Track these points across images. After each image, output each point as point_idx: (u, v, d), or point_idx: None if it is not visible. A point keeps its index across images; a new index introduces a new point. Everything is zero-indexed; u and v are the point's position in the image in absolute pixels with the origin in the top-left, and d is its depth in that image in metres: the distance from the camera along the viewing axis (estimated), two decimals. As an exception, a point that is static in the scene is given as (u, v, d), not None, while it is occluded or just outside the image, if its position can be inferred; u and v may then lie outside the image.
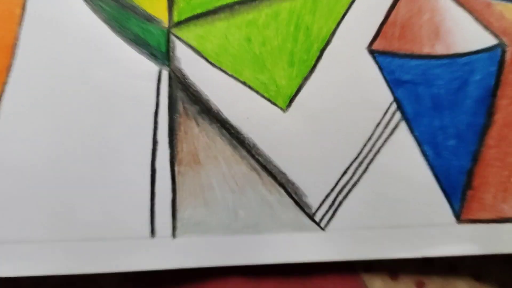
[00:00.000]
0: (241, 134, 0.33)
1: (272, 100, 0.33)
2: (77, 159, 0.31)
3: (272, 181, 0.32)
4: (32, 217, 0.30)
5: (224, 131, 0.33)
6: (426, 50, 0.34)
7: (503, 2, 0.35)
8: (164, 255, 0.30)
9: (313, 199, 0.32)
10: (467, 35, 0.34)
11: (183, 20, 0.34)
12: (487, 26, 0.34)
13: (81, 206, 0.30)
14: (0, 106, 0.31)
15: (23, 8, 0.33)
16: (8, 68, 0.32)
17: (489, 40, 0.34)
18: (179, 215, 0.31)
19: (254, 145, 0.33)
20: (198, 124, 0.33)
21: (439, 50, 0.34)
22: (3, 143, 0.31)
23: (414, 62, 0.33)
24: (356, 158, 0.33)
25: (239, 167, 0.32)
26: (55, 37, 0.33)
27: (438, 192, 0.33)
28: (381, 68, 0.33)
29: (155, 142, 0.32)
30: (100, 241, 0.30)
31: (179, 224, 0.31)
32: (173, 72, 0.33)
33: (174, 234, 0.31)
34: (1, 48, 0.32)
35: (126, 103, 0.32)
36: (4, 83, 0.32)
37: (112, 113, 0.32)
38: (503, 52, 0.34)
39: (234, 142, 0.33)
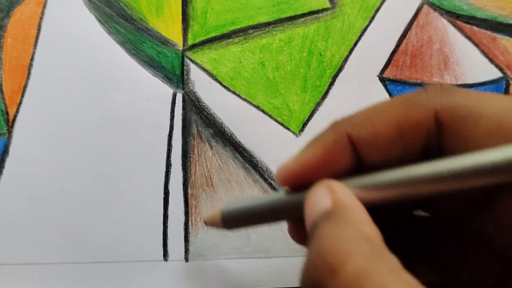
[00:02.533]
0: (254, 158, 0.33)
1: (285, 124, 0.34)
2: (90, 181, 0.31)
3: (285, 206, 0.33)
4: (46, 239, 0.30)
5: (237, 154, 0.33)
6: (435, 79, 0.35)
7: (507, 37, 0.37)
8: (177, 279, 0.31)
9: (325, 224, 0.33)
10: (474, 66, 0.36)
11: (198, 43, 0.35)
12: (492, 59, 0.36)
13: (94, 228, 0.30)
14: (14, 126, 0.31)
15: (39, 29, 0.34)
16: (23, 89, 0.32)
17: (494, 73, 0.36)
18: (191, 238, 0.32)
19: (267, 169, 0.33)
20: (211, 147, 0.33)
21: (448, 79, 0.35)
22: (17, 164, 0.31)
23: (424, 91, 0.35)
24: (367, 184, 0.34)
25: (252, 190, 0.33)
26: (69, 59, 0.34)
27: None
28: (391, 96, 0.35)
29: (168, 165, 0.32)
30: (113, 263, 0.30)
31: (191, 248, 0.31)
32: (187, 95, 0.34)
33: (186, 258, 0.31)
34: (16, 68, 0.33)
35: (141, 125, 0.33)
36: (19, 103, 0.32)
37: (126, 135, 0.32)
38: (508, 85, 0.36)
39: (247, 165, 0.33)
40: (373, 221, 0.17)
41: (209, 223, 0.27)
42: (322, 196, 0.19)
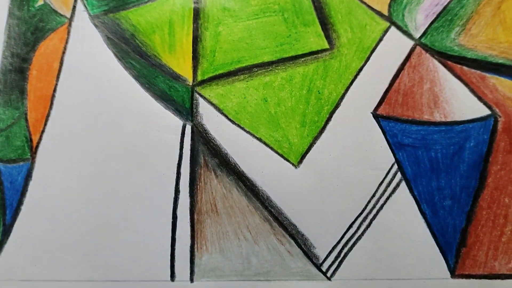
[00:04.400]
0: (256, 187, 0.37)
1: (285, 156, 0.38)
2: (105, 205, 0.35)
3: (283, 232, 0.37)
4: (64, 258, 0.34)
5: (240, 183, 0.37)
6: (426, 116, 0.39)
7: (496, 76, 0.40)
8: (182, 298, 0.34)
9: (320, 250, 0.37)
10: (463, 104, 0.39)
11: (206, 79, 0.39)
12: (481, 97, 0.40)
13: (108, 249, 0.34)
14: (37, 153, 0.36)
15: (61, 63, 0.38)
16: (46, 118, 0.37)
17: (483, 110, 0.39)
18: (197, 260, 0.35)
19: (268, 197, 0.37)
20: (216, 176, 0.37)
21: (438, 117, 0.39)
22: (38, 188, 0.35)
23: (414, 128, 0.38)
24: (361, 214, 0.37)
25: (253, 217, 0.37)
26: (88, 90, 0.38)
27: (435, 248, 0.37)
28: (384, 132, 0.38)
29: (177, 191, 0.36)
30: (124, 282, 0.34)
31: (196, 269, 0.35)
32: (196, 127, 0.38)
33: (191, 279, 0.35)
34: (40, 99, 0.37)
35: (152, 154, 0.37)
36: (42, 131, 0.36)
37: (138, 163, 0.36)
38: (496, 122, 0.39)
39: (249, 193, 0.37)
40: None
41: None
42: None
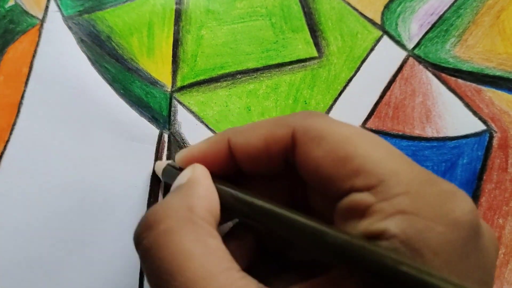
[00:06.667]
0: (235, 202, 0.36)
1: (268, 170, 0.37)
2: (74, 219, 0.34)
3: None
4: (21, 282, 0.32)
5: (218, 197, 0.36)
6: (417, 131, 0.38)
7: (492, 89, 0.40)
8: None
9: None
10: (457, 119, 0.39)
11: (186, 85, 0.38)
12: (476, 112, 0.39)
13: (70, 266, 0.33)
14: (0, 164, 0.34)
15: (30, 67, 0.37)
16: (12, 126, 0.35)
17: (477, 125, 0.39)
18: None
19: (247, 214, 0.36)
20: (193, 189, 0.36)
21: (430, 132, 0.38)
22: (1, 201, 0.34)
23: (405, 143, 0.38)
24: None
25: (231, 234, 0.36)
26: (59, 97, 0.37)
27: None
28: (374, 146, 0.38)
29: (149, 206, 0.35)
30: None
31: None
32: (173, 136, 0.37)
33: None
34: (6, 106, 0.36)
35: (125, 165, 0.36)
36: (6, 141, 0.35)
37: (110, 175, 0.35)
38: (491, 138, 0.39)
39: (228, 209, 0.36)
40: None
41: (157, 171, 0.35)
42: (185, 174, 0.25)
